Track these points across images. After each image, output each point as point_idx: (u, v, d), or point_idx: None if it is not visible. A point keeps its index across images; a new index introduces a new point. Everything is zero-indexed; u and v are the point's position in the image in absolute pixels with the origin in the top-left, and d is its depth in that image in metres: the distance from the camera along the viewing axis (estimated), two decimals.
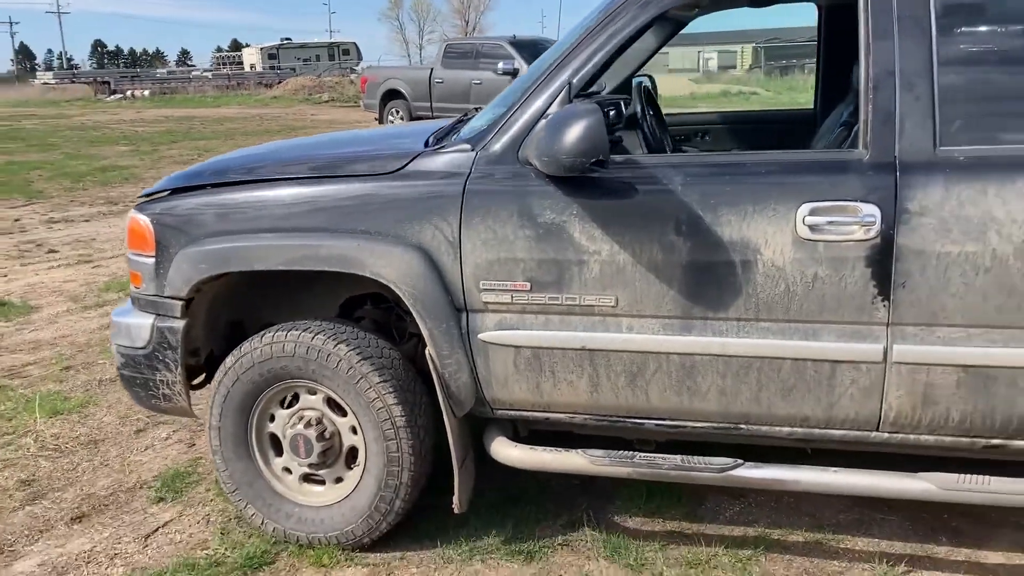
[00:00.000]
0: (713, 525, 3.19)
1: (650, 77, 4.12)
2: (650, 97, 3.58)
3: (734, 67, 56.26)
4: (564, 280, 2.71)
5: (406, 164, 2.86)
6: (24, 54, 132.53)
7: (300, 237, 2.89)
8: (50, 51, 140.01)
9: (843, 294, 2.53)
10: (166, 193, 3.16)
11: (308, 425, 3.02)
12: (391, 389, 2.90)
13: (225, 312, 3.29)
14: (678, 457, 2.84)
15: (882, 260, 2.49)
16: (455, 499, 2.95)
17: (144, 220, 3.07)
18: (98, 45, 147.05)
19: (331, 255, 2.85)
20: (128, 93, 47.28)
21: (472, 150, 2.82)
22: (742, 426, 2.78)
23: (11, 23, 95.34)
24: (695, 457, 2.83)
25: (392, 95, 19.03)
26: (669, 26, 4.08)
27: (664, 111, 4.05)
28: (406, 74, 19.73)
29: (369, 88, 19.67)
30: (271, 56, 69.48)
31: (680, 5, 2.79)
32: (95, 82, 53.67)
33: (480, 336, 2.82)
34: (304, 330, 2.96)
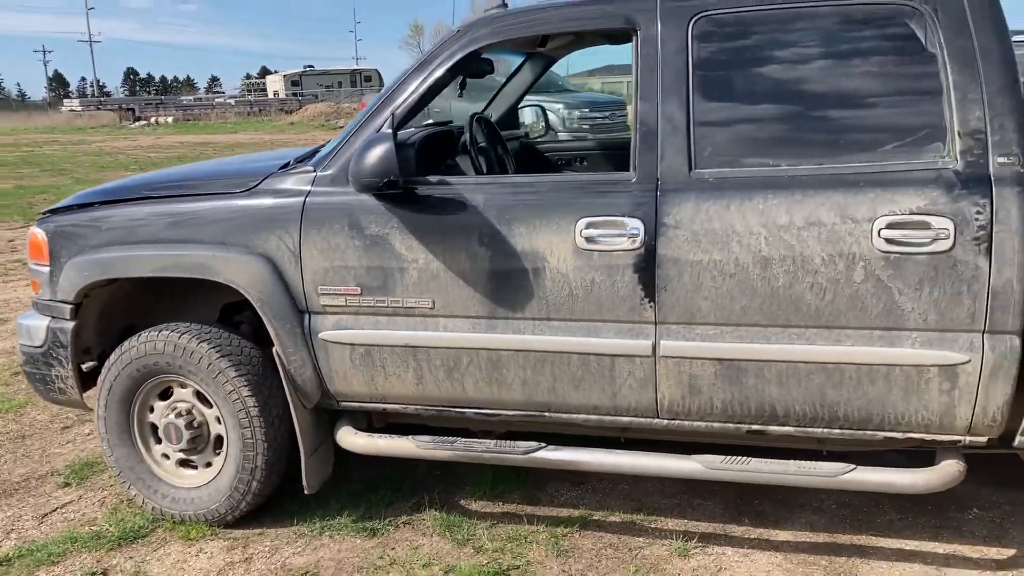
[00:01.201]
0: (545, 508, 3.55)
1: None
2: (490, 127, 3.98)
3: None
4: (389, 285, 3.11)
5: (257, 184, 3.28)
6: (58, 82, 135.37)
7: (168, 248, 3.31)
8: (83, 79, 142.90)
9: (616, 296, 2.91)
10: (73, 209, 3.59)
11: (179, 415, 3.43)
12: (246, 383, 3.30)
13: (120, 317, 3.70)
14: (491, 441, 3.23)
15: (647, 267, 2.86)
16: (304, 481, 3.34)
17: (40, 234, 3.50)
18: (130, 72, 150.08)
19: (192, 264, 3.27)
20: (152, 120, 48.43)
21: (314, 171, 3.23)
22: (546, 414, 3.15)
23: (44, 51, 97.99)
24: (505, 441, 3.21)
25: None
26: (540, 63, 4.49)
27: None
28: None
29: None
30: (294, 83, 70.44)
31: (499, 42, 3.18)
32: (120, 109, 55.02)
33: (320, 335, 3.22)
34: (173, 331, 3.37)
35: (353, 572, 3.15)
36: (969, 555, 3.13)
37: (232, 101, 61.64)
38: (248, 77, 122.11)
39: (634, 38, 2.96)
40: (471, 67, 3.41)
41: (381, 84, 68.97)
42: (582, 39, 4.19)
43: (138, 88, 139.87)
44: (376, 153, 2.87)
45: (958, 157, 2.66)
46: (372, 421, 3.56)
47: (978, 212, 2.61)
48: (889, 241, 2.67)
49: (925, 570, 3.05)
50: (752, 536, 3.31)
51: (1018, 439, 2.80)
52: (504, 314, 3.04)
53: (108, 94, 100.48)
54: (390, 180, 2.88)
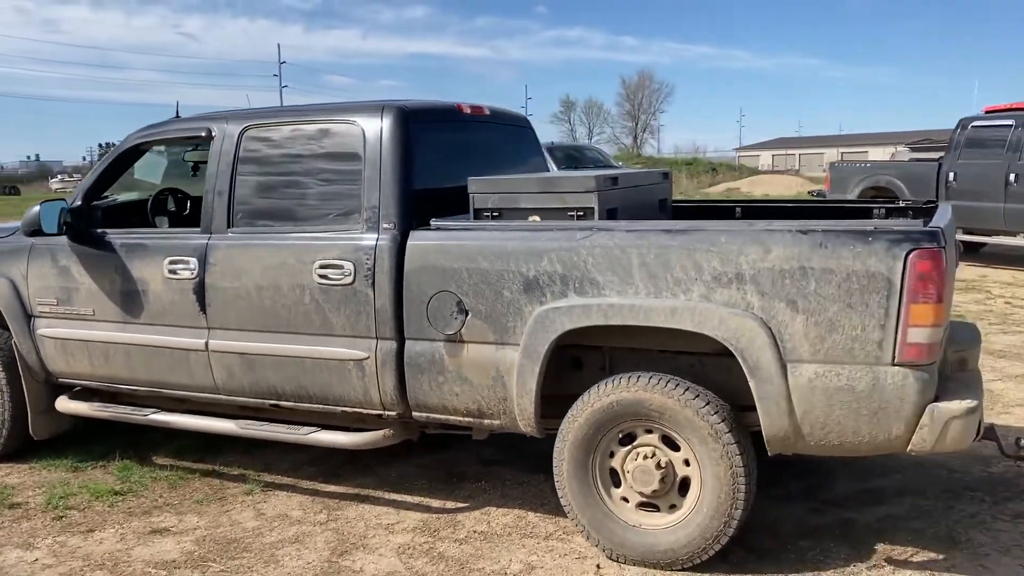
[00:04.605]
0: (201, 464, 5.03)
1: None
2: (183, 195, 5.58)
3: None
4: (71, 299, 4.75)
5: (12, 233, 5.03)
6: None
7: None
8: None
9: (186, 309, 4.43)
10: None
11: None
12: (0, 365, 5.00)
13: None
14: (129, 407, 4.79)
15: (201, 291, 4.38)
16: (31, 430, 4.99)
17: None
18: None
19: None
20: None
21: None
22: (164, 390, 4.68)
23: None
24: (136, 408, 4.76)
25: None
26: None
27: None
28: None
29: None
30: None
31: (149, 143, 4.83)
32: None
33: (39, 332, 4.88)
34: None
35: (38, 488, 4.75)
36: (452, 508, 4.36)
37: None
38: None
39: (212, 141, 4.52)
40: (136, 159, 5.02)
41: None
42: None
43: None
44: (30, 214, 4.57)
45: (364, 224, 4.05)
46: (94, 395, 5.15)
47: (367, 258, 4.00)
48: (321, 277, 4.08)
49: (386, 510, 4.33)
50: (312, 488, 4.68)
51: (414, 414, 4.10)
52: (130, 320, 4.61)
53: None
54: (34, 230, 4.57)
